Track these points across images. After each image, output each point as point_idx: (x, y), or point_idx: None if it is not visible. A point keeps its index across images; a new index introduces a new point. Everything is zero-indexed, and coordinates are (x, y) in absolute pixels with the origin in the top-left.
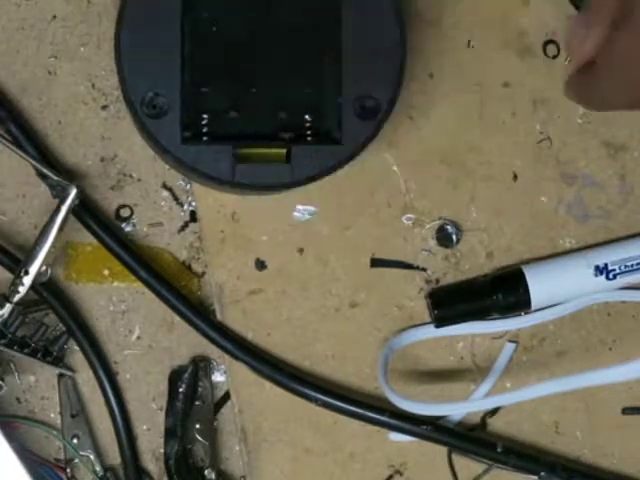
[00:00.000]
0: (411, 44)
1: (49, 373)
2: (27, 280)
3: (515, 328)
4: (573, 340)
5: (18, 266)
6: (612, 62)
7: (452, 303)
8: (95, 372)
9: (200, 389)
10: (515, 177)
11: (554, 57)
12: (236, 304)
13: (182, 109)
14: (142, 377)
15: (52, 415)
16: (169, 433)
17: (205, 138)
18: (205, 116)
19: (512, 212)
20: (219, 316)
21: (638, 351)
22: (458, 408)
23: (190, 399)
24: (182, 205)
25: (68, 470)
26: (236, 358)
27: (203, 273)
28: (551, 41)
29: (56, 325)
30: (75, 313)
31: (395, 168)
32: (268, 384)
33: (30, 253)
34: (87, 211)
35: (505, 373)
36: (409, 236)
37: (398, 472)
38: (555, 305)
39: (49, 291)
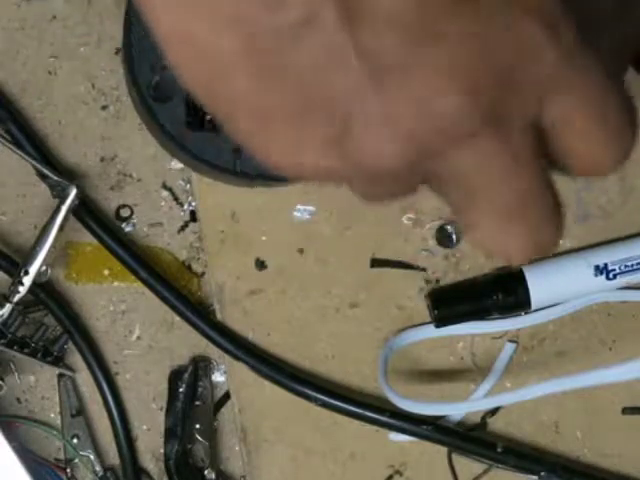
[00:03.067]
0: None
1: (49, 373)
2: (27, 280)
3: (515, 328)
4: (573, 340)
5: (16, 268)
6: None
7: (452, 303)
8: (93, 373)
9: (200, 389)
10: None
11: None
12: (236, 304)
13: (188, 94)
14: (142, 377)
15: (52, 415)
16: (169, 433)
17: (209, 125)
18: None
19: None
20: (219, 316)
21: (638, 351)
22: (458, 408)
23: (190, 399)
24: (182, 205)
25: (68, 470)
26: (236, 358)
27: (203, 273)
28: None
29: (56, 325)
30: (72, 314)
31: None
32: (268, 384)
33: (30, 253)
34: (87, 211)
35: (505, 373)
36: (409, 236)
37: (398, 472)
38: (555, 305)
39: (46, 292)
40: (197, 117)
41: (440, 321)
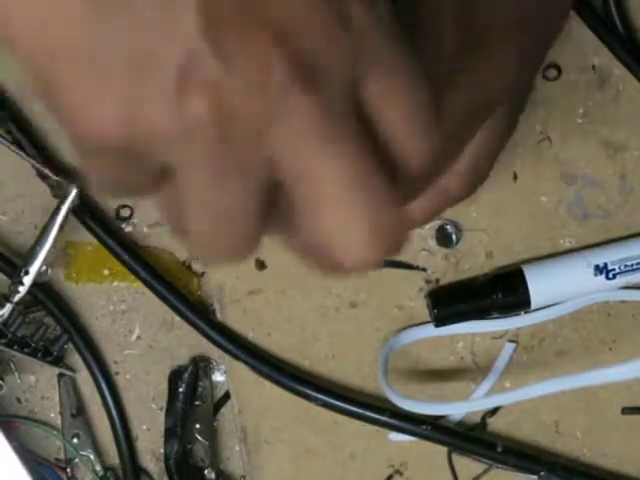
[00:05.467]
0: None
1: (49, 373)
2: (27, 280)
3: (515, 327)
4: (573, 340)
5: (15, 269)
6: None
7: (452, 302)
8: (93, 373)
9: (200, 389)
10: (515, 177)
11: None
12: (236, 304)
13: None
14: (142, 377)
15: (52, 415)
16: (169, 433)
17: None
18: None
19: (512, 212)
20: (219, 316)
21: (638, 351)
22: (458, 408)
23: (190, 399)
24: None
25: (68, 470)
26: (236, 358)
27: (203, 273)
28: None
29: (56, 325)
30: (71, 314)
31: None
32: (268, 384)
33: (30, 253)
34: (87, 211)
35: (505, 373)
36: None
37: (398, 472)
38: (555, 305)
39: (44, 292)
40: None
41: (440, 321)
